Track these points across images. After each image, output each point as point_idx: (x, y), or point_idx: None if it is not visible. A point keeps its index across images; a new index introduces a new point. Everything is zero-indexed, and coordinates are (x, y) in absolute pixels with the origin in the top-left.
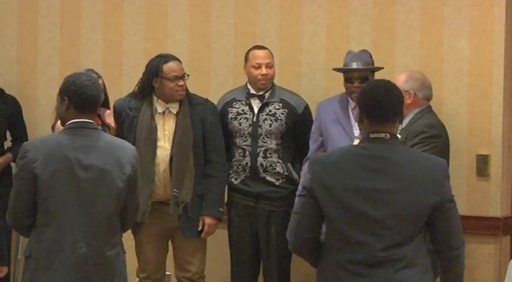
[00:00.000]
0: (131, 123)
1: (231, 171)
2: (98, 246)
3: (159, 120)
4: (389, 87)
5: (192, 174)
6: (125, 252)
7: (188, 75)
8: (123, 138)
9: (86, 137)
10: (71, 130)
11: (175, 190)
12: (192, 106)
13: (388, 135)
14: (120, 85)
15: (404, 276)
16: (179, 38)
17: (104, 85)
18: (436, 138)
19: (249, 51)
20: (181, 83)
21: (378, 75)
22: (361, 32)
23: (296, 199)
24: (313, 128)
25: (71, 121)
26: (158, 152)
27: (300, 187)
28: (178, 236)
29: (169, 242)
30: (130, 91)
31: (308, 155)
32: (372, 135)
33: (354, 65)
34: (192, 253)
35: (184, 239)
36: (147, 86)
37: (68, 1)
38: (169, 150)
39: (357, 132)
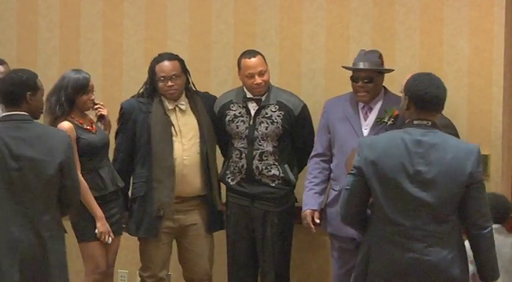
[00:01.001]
0: (144, 121)
1: (228, 172)
2: (31, 230)
3: (171, 117)
4: (437, 80)
5: (217, 169)
6: (66, 232)
7: (180, 76)
8: (124, 136)
9: (17, 129)
10: (1, 123)
11: (216, 186)
12: (204, 101)
13: (430, 123)
14: (120, 85)
15: (434, 252)
16: (179, 38)
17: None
18: None
19: (240, 59)
20: (169, 83)
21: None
22: (361, 32)
23: (347, 177)
24: (320, 125)
25: (2, 115)
26: (175, 147)
27: (352, 166)
28: (187, 236)
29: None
30: (130, 90)
31: (314, 153)
32: (415, 122)
33: (361, 65)
34: (202, 253)
35: (193, 239)
36: (150, 85)
37: (67, 1)
38: (189, 146)
39: (366, 131)
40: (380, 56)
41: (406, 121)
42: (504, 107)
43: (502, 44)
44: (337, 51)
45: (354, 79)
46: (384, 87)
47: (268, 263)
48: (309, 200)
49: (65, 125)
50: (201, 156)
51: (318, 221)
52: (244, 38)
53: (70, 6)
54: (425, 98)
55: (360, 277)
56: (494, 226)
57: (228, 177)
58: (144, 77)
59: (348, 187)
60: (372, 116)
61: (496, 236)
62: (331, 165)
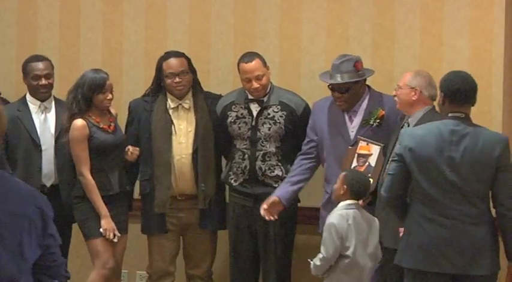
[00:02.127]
0: (147, 119)
1: (230, 173)
2: None
3: (173, 115)
4: (469, 76)
5: (215, 168)
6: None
7: (188, 72)
8: (129, 136)
9: None
10: None
11: (202, 185)
12: (208, 101)
13: (464, 115)
14: (120, 85)
15: (470, 230)
16: (179, 38)
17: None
18: None
19: (239, 62)
20: (177, 80)
21: (380, 74)
22: (360, 32)
23: (390, 163)
24: (308, 125)
25: None
26: (174, 145)
27: (393, 154)
28: (192, 233)
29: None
30: (130, 90)
31: (300, 152)
32: (450, 114)
33: (338, 78)
34: (205, 250)
35: (198, 236)
36: (157, 83)
37: (67, 1)
38: (187, 145)
39: (352, 133)
40: (355, 63)
41: (443, 114)
42: (504, 108)
43: (502, 44)
44: (337, 51)
45: (330, 88)
46: (368, 86)
47: (270, 263)
48: (278, 189)
49: (78, 122)
50: (192, 154)
51: (265, 206)
52: (244, 38)
53: (70, 6)
54: (457, 93)
55: (402, 252)
56: None
57: (231, 178)
58: (143, 77)
59: (390, 172)
60: (358, 118)
61: None
62: (324, 167)
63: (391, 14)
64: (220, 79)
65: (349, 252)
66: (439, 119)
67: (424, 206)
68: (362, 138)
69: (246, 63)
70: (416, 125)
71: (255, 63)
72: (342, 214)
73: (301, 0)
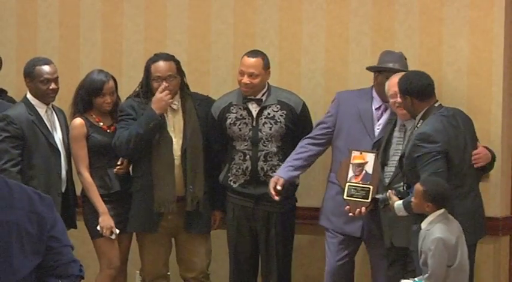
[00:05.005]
0: None
1: (229, 174)
2: None
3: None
4: (421, 72)
5: (203, 170)
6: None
7: (181, 77)
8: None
9: None
10: None
11: (190, 186)
12: (195, 102)
13: (440, 103)
14: (120, 85)
15: (468, 202)
16: (178, 38)
17: (116, 86)
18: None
19: (244, 55)
20: (163, 84)
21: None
22: (360, 32)
23: (434, 161)
24: (327, 113)
25: None
26: None
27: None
28: (182, 235)
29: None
30: (130, 90)
31: (307, 135)
32: (436, 105)
33: (390, 65)
34: (197, 252)
35: (189, 238)
36: (146, 84)
37: (67, 1)
38: (176, 146)
39: (377, 131)
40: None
41: (422, 112)
42: (504, 107)
43: (501, 44)
44: (336, 51)
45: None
46: None
47: (271, 264)
48: (280, 170)
49: (76, 121)
50: (181, 156)
51: (279, 187)
52: (243, 38)
53: (70, 6)
54: (428, 88)
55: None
56: None
57: (230, 180)
58: None
59: (440, 170)
60: (386, 115)
61: None
62: (334, 158)
63: (390, 14)
64: (220, 79)
65: (456, 262)
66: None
67: (459, 188)
68: (354, 149)
69: (247, 56)
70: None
71: (254, 61)
72: (444, 227)
73: (301, 0)
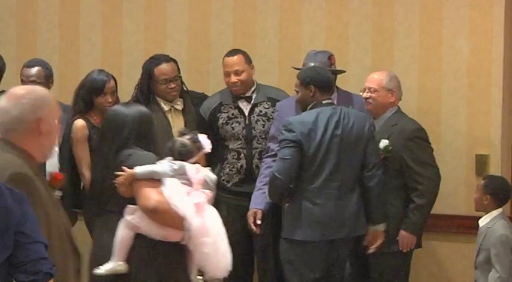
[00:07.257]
0: None
1: (221, 174)
2: None
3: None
4: (320, 67)
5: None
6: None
7: (180, 76)
8: None
9: None
10: None
11: None
12: (194, 101)
13: (331, 100)
14: (119, 85)
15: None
16: (178, 38)
17: (116, 86)
18: (428, 141)
19: (223, 57)
20: (171, 85)
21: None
22: (360, 32)
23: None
24: (273, 129)
25: None
26: None
27: None
28: None
29: None
30: (130, 91)
31: (268, 154)
32: (324, 102)
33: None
34: None
35: None
36: (146, 88)
37: (67, 1)
38: None
39: None
40: (330, 57)
41: (313, 103)
42: (503, 107)
43: (501, 43)
44: (336, 51)
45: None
46: (336, 86)
47: (267, 263)
48: (255, 199)
49: (78, 123)
50: None
51: (259, 222)
52: (243, 38)
53: (69, 6)
54: (328, 83)
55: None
56: None
57: (223, 179)
58: None
59: (287, 157)
60: None
61: None
62: None
63: (390, 14)
64: (220, 79)
65: None
66: (404, 119)
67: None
68: None
69: (227, 57)
70: (384, 125)
71: (236, 58)
72: (505, 224)
73: (301, 0)
